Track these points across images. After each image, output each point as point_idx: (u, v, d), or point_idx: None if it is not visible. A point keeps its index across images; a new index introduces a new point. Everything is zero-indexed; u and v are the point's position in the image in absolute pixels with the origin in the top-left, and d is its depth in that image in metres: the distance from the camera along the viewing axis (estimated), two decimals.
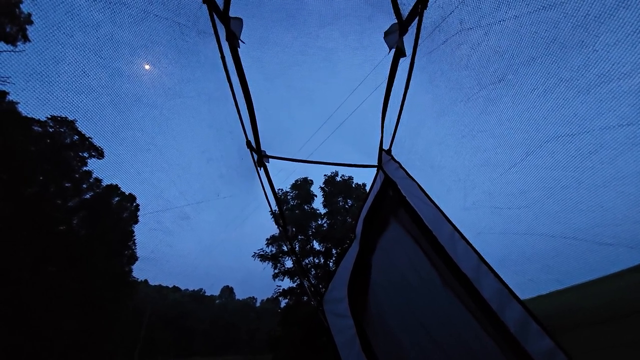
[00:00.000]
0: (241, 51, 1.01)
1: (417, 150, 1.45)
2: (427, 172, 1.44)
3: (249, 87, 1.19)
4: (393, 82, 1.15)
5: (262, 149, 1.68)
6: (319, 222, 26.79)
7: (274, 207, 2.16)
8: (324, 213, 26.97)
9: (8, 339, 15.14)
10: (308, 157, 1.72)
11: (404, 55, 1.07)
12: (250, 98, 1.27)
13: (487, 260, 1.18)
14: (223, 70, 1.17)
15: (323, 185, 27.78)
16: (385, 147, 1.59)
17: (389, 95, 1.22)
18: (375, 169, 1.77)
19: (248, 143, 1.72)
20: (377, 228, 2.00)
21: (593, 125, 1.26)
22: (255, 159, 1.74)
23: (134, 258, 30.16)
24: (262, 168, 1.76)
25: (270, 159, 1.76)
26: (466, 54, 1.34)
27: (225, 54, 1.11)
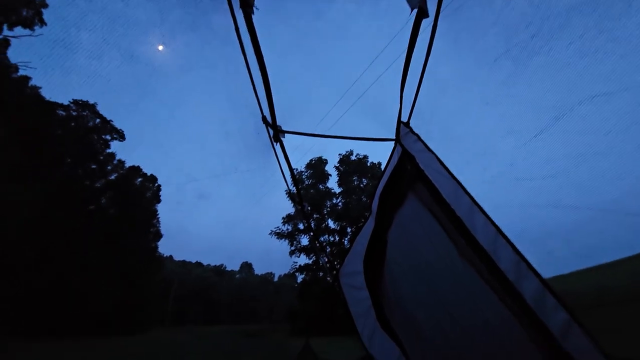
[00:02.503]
0: (255, 20, 0.98)
1: (437, 121, 1.39)
2: (446, 143, 1.39)
3: (264, 59, 1.17)
4: (414, 48, 1.09)
5: (278, 124, 1.68)
6: (334, 201, 27.03)
7: (290, 183, 2.19)
8: (339, 192, 27.11)
9: (53, 309, 16.73)
10: (325, 132, 1.71)
11: (426, 16, 1.00)
12: (266, 70, 1.25)
13: (505, 233, 1.17)
14: (237, 41, 1.15)
15: (338, 165, 27.68)
16: (404, 119, 1.54)
17: (409, 63, 1.16)
18: (393, 142, 1.73)
19: (264, 118, 1.72)
20: (394, 203, 1.99)
21: (633, 81, 1.15)
22: (271, 135, 1.75)
23: (159, 235, 31.97)
24: (278, 143, 1.77)
25: (286, 134, 1.76)
26: (498, 8, 1.23)
27: (239, 24, 1.08)
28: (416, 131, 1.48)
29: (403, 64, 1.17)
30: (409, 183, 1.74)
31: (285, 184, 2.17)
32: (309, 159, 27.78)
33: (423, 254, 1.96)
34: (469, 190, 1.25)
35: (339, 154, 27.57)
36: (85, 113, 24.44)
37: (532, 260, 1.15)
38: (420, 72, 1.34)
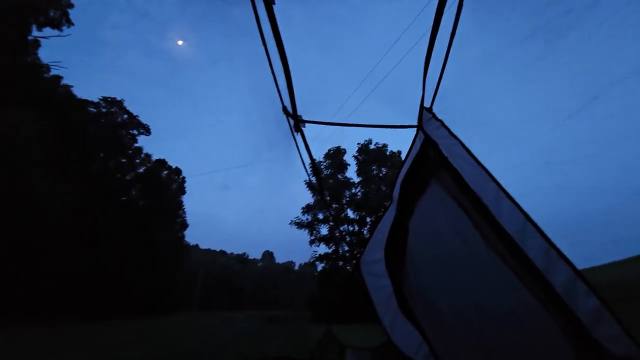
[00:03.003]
0: (276, 9, 0.98)
1: (462, 107, 1.33)
2: (472, 129, 1.33)
3: (285, 49, 1.17)
4: (438, 28, 1.04)
5: (299, 113, 1.69)
6: (353, 191, 26.95)
7: (310, 173, 2.21)
8: (358, 182, 26.96)
9: (89, 296, 18.15)
10: (345, 120, 1.70)
11: None
12: (287, 60, 1.26)
13: (534, 219, 1.12)
14: (258, 32, 1.16)
15: (356, 154, 27.44)
16: (427, 104, 1.50)
17: (433, 44, 1.12)
18: (414, 129, 1.70)
19: (284, 109, 1.74)
20: (416, 191, 1.96)
21: None
22: (292, 125, 1.77)
23: (184, 225, 33.61)
24: (299, 133, 1.79)
25: (306, 124, 1.77)
26: None
27: (259, 15, 1.09)
28: (439, 117, 1.43)
29: (427, 47, 1.13)
30: (431, 170, 1.70)
31: (305, 173, 2.20)
32: (327, 148, 27.71)
33: (446, 242, 1.93)
34: (495, 175, 1.20)
35: (358, 143, 27.29)
36: (113, 109, 25.75)
37: (562, 246, 1.11)
38: (445, 54, 1.29)
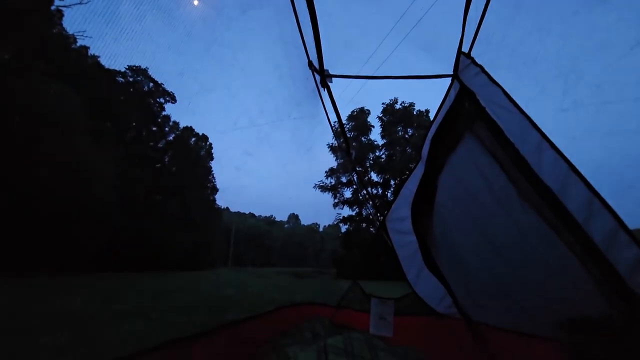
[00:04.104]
0: None
1: (508, 44, 1.20)
2: (518, 70, 1.21)
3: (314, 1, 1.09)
4: None
5: (325, 68, 1.63)
6: (377, 154, 26.47)
7: (337, 129, 2.19)
8: (382, 144, 26.30)
9: (138, 252, 20.39)
10: (374, 72, 1.62)
11: None
12: (315, 13, 1.18)
13: (583, 166, 1.06)
14: None
15: (381, 114, 26.43)
16: (465, 49, 1.38)
17: None
18: (450, 79, 1.58)
19: (310, 63, 1.69)
20: (447, 146, 1.89)
21: None
22: (318, 81, 1.72)
23: (215, 189, 35.62)
24: (325, 89, 1.75)
25: (333, 79, 1.72)
26: None
27: None
28: (480, 60, 1.31)
29: None
30: (466, 123, 1.62)
31: (331, 131, 2.18)
32: (351, 110, 26.86)
33: (477, 198, 1.89)
34: (543, 120, 1.12)
35: (382, 103, 26.09)
36: (139, 78, 26.30)
37: (608, 194, 1.05)
38: None
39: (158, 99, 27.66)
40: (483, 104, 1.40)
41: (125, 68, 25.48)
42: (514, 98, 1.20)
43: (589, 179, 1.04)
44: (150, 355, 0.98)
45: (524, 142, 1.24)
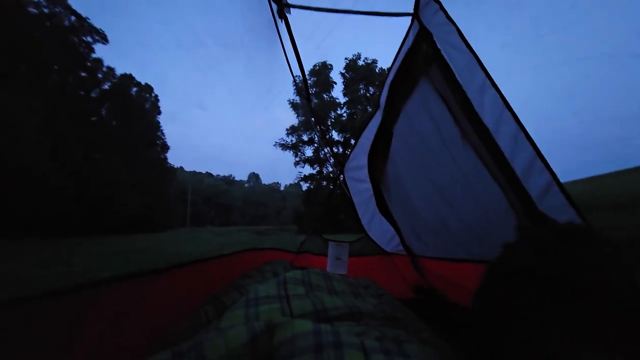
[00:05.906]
0: None
1: None
2: (473, 5, 1.23)
3: None
4: None
5: None
6: (338, 112, 26.32)
7: (296, 73, 2.08)
8: (344, 102, 26.08)
9: (82, 215, 18.68)
10: (334, 5, 1.50)
11: None
12: None
13: (512, 103, 1.15)
14: None
15: (343, 71, 25.74)
16: None
17: None
18: (410, 18, 1.55)
19: None
20: (404, 93, 1.93)
21: None
22: (275, 10, 1.57)
23: (165, 147, 32.84)
24: (282, 21, 1.60)
25: (292, 10, 1.57)
26: None
27: None
28: None
29: None
30: (422, 67, 1.64)
31: (290, 73, 2.07)
32: (313, 64, 25.64)
33: (428, 144, 1.99)
34: (488, 58, 1.17)
35: (345, 58, 25.27)
36: (57, 9, 21.44)
37: (533, 127, 1.15)
38: None
39: (84, 37, 23.18)
40: (439, 45, 1.42)
41: None
42: (465, 36, 1.23)
43: (518, 113, 1.15)
44: (110, 287, 0.93)
45: (471, 83, 1.31)
